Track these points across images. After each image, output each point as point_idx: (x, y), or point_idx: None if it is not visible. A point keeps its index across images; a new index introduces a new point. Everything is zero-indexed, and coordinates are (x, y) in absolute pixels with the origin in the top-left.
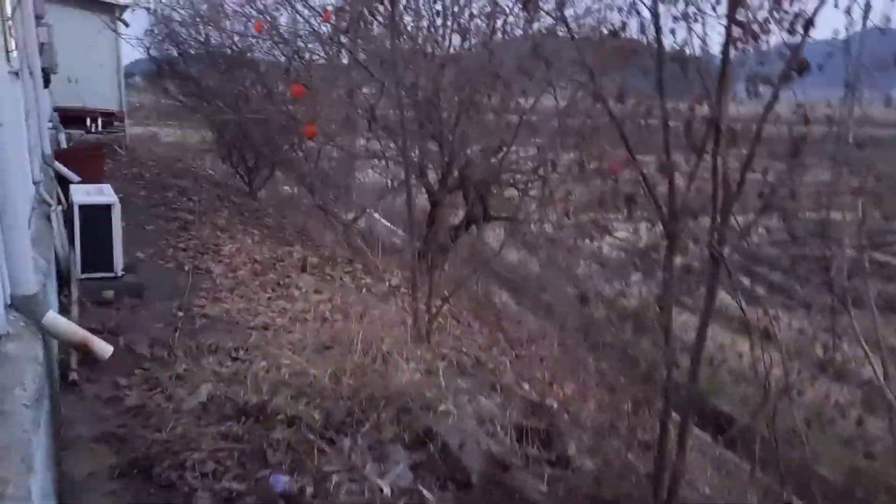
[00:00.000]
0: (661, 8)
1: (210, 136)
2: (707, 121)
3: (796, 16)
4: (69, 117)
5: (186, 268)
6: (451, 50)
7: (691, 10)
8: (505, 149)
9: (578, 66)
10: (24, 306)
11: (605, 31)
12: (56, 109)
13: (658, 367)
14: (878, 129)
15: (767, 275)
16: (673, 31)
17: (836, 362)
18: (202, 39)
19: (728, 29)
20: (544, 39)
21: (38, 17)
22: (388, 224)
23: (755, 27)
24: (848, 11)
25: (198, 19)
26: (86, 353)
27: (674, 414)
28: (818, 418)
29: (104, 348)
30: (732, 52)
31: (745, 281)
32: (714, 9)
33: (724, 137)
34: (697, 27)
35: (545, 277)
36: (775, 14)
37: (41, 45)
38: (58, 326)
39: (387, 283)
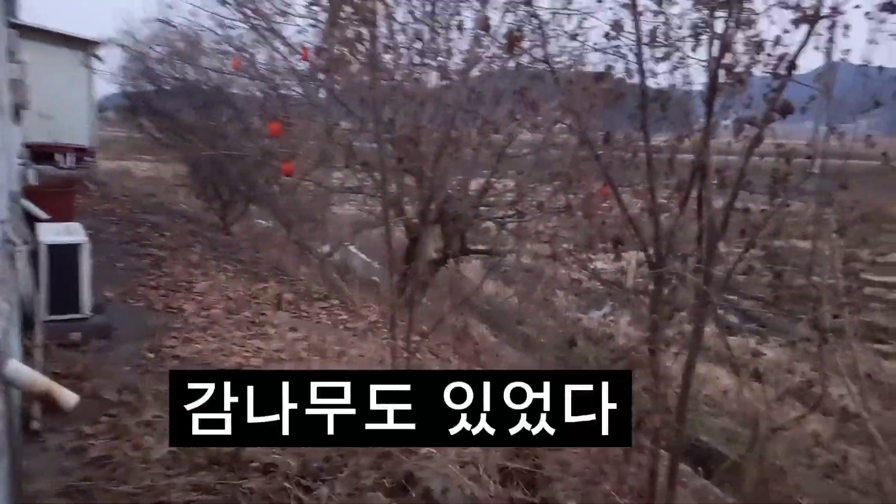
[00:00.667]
0: (646, 52)
1: (184, 170)
2: (693, 165)
3: (780, 58)
4: (40, 153)
5: (157, 307)
6: (430, 85)
7: (676, 55)
8: (484, 183)
9: (565, 110)
10: None
11: (592, 75)
12: (27, 146)
13: (649, 412)
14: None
15: (739, 303)
16: (654, 74)
17: (822, 397)
18: (178, 76)
19: (713, 76)
20: (530, 81)
21: (11, 53)
22: (366, 258)
23: (740, 71)
24: (828, 54)
25: (174, 56)
26: (49, 403)
27: (662, 452)
28: (802, 452)
29: (69, 398)
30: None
31: (733, 318)
32: (694, 49)
33: (709, 181)
34: (682, 69)
35: (523, 309)
36: (758, 57)
37: (13, 82)
38: (20, 376)
39: (364, 320)
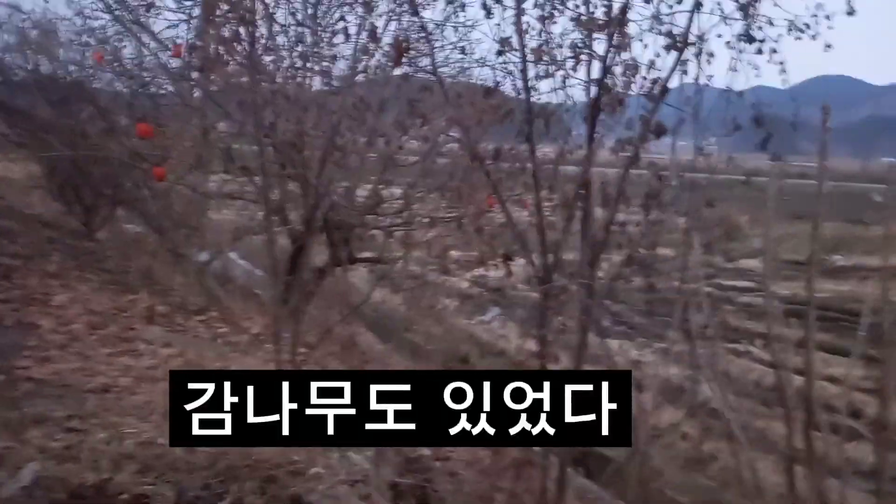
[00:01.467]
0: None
1: (39, 171)
2: (577, 182)
3: (653, 82)
4: None
5: (7, 322)
6: (314, 89)
7: (559, 73)
8: (370, 191)
9: (454, 122)
10: None
11: (481, 89)
12: None
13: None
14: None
15: (618, 311)
16: (538, 90)
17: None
18: (30, 67)
19: (596, 99)
20: (417, 92)
21: None
22: (248, 266)
23: (618, 92)
24: (696, 80)
25: (25, 46)
26: None
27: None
28: (674, 449)
29: None
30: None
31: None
32: (574, 69)
33: (591, 197)
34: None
35: (411, 317)
36: (634, 80)
37: None
38: None
39: (246, 333)
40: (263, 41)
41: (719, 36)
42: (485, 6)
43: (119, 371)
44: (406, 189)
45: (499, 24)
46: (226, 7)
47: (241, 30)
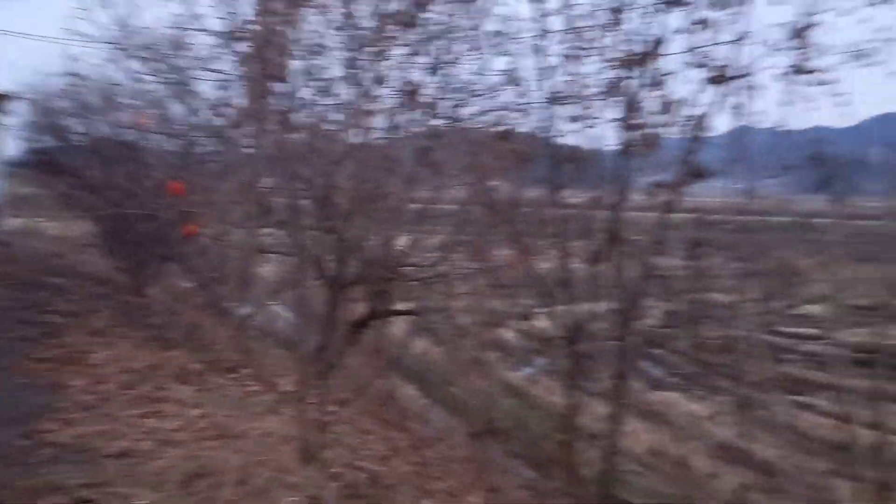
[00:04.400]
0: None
1: (93, 229)
2: (607, 235)
3: (690, 119)
4: None
5: (41, 383)
6: (347, 142)
7: (587, 113)
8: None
9: (469, 171)
10: None
11: (496, 133)
12: None
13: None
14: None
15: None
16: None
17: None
18: (86, 130)
19: (626, 137)
20: (435, 140)
21: None
22: (293, 317)
23: (650, 132)
24: (744, 116)
25: (82, 110)
26: None
27: None
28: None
29: None
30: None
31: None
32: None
33: (622, 246)
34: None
35: (451, 369)
36: (668, 118)
37: None
38: None
39: (275, 390)
40: (296, 94)
41: (770, 68)
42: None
43: (143, 433)
44: (444, 239)
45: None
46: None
47: (274, 84)
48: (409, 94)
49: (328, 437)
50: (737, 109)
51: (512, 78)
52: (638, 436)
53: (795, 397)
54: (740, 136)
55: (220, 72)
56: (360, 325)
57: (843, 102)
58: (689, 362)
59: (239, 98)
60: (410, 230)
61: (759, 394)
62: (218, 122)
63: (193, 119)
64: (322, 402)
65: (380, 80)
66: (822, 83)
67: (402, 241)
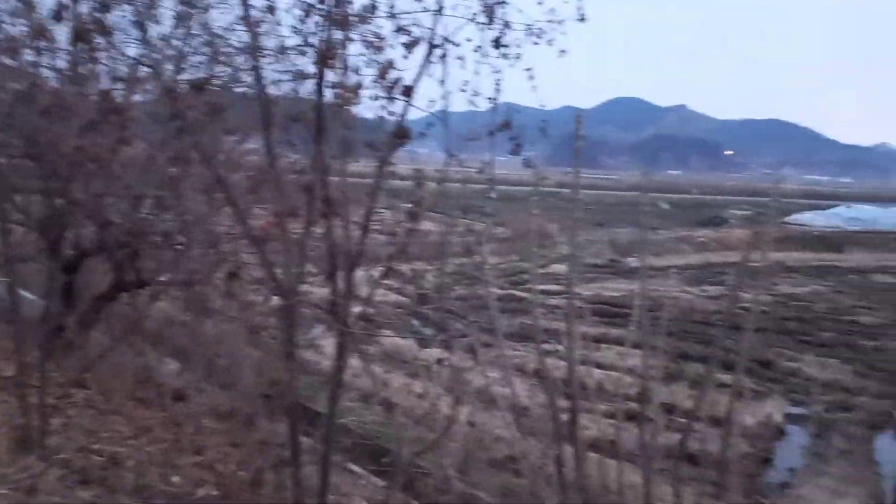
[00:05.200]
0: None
1: None
2: (320, 198)
3: (394, 83)
4: None
5: None
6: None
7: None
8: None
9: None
10: None
11: (191, 83)
12: None
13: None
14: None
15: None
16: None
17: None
18: None
19: (318, 102)
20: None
21: None
22: (31, 295)
23: (349, 93)
24: (442, 83)
25: None
26: None
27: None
28: (479, 446)
29: None
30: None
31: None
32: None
33: (334, 209)
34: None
35: (218, 341)
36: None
37: None
38: None
39: None
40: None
41: (469, 40)
42: None
43: None
44: (197, 202)
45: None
46: None
47: None
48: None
49: (55, 422)
50: (440, 79)
51: (208, 29)
52: (398, 387)
53: (542, 345)
54: (437, 103)
55: None
56: (106, 298)
57: (531, 74)
58: (451, 320)
59: None
60: (159, 194)
61: (509, 343)
62: None
63: None
64: (45, 386)
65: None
66: (510, 57)
67: (148, 206)
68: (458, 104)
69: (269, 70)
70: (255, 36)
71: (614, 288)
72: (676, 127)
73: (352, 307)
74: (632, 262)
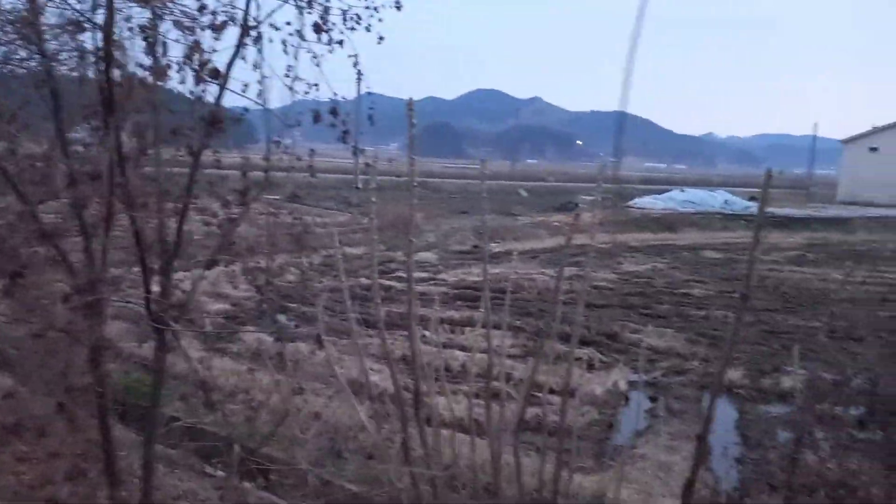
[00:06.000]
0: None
1: None
2: (117, 187)
3: (202, 65)
4: None
5: None
6: None
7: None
8: None
9: None
10: None
11: None
12: None
13: None
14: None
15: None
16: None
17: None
18: None
19: (105, 78)
20: None
21: None
22: None
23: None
24: (255, 66)
25: None
26: None
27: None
28: (341, 436)
29: None
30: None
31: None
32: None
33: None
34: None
35: (43, 343)
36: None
37: None
38: None
39: None
40: None
41: (288, 23)
42: None
43: None
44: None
45: None
46: None
47: None
48: None
49: None
50: (255, 63)
51: None
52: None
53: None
54: (265, 91)
55: None
56: None
57: (356, 61)
58: (315, 312)
59: None
60: None
61: (369, 332)
62: None
63: None
64: None
65: None
66: (333, 42)
67: None
68: (313, 95)
69: (53, 46)
70: (33, 8)
71: (478, 273)
72: (533, 118)
73: (173, 303)
74: (494, 246)
